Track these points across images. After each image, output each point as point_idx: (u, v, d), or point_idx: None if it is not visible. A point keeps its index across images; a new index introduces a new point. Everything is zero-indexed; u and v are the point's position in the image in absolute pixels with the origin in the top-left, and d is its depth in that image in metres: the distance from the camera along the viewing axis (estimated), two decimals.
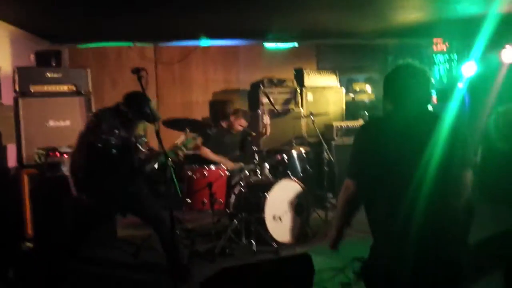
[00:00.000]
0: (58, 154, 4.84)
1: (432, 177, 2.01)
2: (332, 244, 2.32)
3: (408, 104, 2.15)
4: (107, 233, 4.81)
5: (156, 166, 4.06)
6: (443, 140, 2.05)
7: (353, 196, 2.18)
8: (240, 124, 5.63)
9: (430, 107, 2.42)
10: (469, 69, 6.52)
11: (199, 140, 5.12)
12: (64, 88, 5.25)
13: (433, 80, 2.20)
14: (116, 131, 3.63)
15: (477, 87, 6.47)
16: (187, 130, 4.85)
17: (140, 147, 3.87)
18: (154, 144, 3.95)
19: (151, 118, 3.72)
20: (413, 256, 2.01)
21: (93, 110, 5.40)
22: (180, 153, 3.90)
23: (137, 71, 3.30)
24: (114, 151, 3.61)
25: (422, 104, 2.18)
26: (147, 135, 4.57)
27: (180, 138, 4.50)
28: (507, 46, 6.02)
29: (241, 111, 5.80)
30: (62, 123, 5.19)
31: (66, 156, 4.74)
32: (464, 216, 2.22)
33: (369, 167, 2.12)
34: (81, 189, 3.69)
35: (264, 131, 5.78)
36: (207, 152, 5.45)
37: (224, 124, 5.74)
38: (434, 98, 6.34)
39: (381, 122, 2.26)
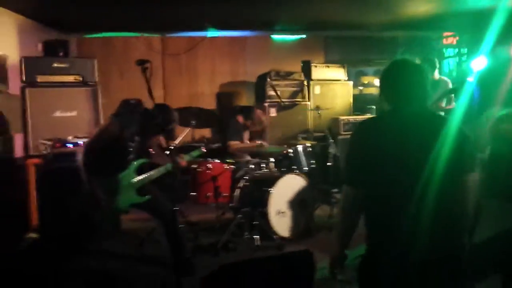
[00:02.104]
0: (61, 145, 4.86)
1: (439, 180, 1.97)
2: (333, 263, 2.21)
3: (407, 102, 2.09)
4: (111, 225, 4.83)
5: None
6: (450, 143, 2.00)
7: (353, 203, 2.09)
8: (260, 123, 5.73)
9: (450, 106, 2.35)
10: (479, 63, 6.42)
11: None
12: (71, 78, 5.28)
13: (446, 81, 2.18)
14: (137, 138, 3.67)
15: (487, 82, 6.37)
16: (193, 124, 4.89)
17: (152, 150, 3.91)
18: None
19: (170, 136, 3.87)
20: (416, 258, 2.00)
21: (100, 100, 5.41)
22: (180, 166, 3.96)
23: (141, 63, 3.30)
24: (131, 156, 3.66)
25: (422, 102, 2.11)
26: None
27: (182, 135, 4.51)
28: None
29: (252, 112, 5.71)
30: (69, 114, 5.22)
31: (72, 147, 4.77)
32: (470, 218, 2.20)
33: (370, 170, 2.05)
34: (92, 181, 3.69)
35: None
36: (235, 145, 5.45)
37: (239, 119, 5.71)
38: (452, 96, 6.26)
39: (379, 122, 2.20)
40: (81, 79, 5.30)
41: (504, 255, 3.00)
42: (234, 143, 5.45)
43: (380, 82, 2.21)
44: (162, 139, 4.28)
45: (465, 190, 2.10)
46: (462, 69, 7.02)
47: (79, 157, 3.69)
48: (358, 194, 2.08)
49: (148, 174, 3.82)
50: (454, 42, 7.20)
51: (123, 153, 3.66)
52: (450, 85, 6.06)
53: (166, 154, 4.00)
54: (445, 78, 6.10)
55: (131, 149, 3.66)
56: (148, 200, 3.80)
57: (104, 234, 4.58)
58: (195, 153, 4.25)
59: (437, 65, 5.96)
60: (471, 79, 6.60)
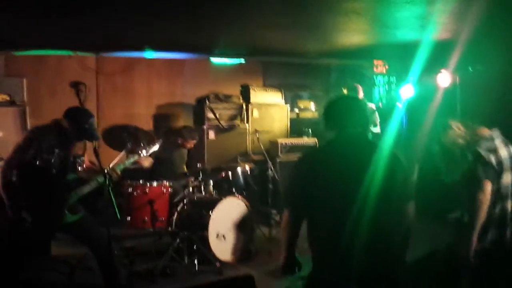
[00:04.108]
0: None
1: (373, 203, 2.08)
2: (284, 267, 2.31)
3: (348, 128, 2.23)
4: (41, 252, 4.53)
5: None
6: (382, 169, 2.13)
7: (293, 226, 2.25)
8: (193, 143, 5.65)
9: (374, 129, 2.50)
10: (407, 91, 6.81)
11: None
12: None
13: (370, 106, 2.40)
14: (56, 150, 3.44)
15: (415, 109, 6.76)
16: (128, 146, 4.71)
17: (78, 167, 3.69)
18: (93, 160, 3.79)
19: (92, 136, 3.55)
20: (355, 276, 2.05)
21: (28, 121, 5.15)
22: (115, 175, 3.72)
23: (75, 85, 3.15)
24: (54, 171, 3.43)
25: (361, 129, 2.26)
26: (86, 152, 4.33)
27: (118, 157, 4.37)
28: (443, 70, 6.33)
29: (188, 132, 5.73)
30: None
31: None
32: (402, 239, 2.30)
33: (309, 192, 2.17)
34: (16, 208, 3.41)
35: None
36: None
37: (178, 140, 5.62)
38: (377, 119, 6.57)
39: (319, 150, 2.42)
40: (8, 98, 5.03)
41: (432, 274, 3.15)
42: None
43: (324, 114, 2.35)
44: (89, 156, 3.99)
45: (405, 217, 2.23)
46: (392, 96, 7.39)
47: None
48: (296, 217, 2.24)
49: (79, 189, 3.60)
50: (384, 71, 7.58)
51: (43, 168, 3.40)
52: (374, 109, 6.43)
53: (96, 167, 3.83)
54: (369, 103, 6.50)
55: (52, 162, 3.41)
56: (79, 222, 3.59)
57: (33, 261, 4.29)
58: (128, 161, 4.00)
59: (360, 91, 6.29)
60: (400, 105, 6.98)
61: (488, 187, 2.80)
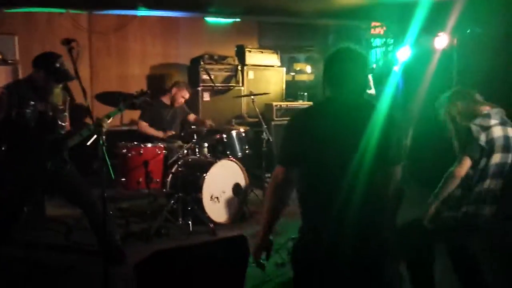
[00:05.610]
0: None
1: (368, 166, 2.04)
2: (255, 252, 2.22)
3: (346, 89, 2.14)
4: (35, 213, 4.58)
5: (88, 142, 3.83)
6: (378, 129, 2.07)
7: (283, 184, 2.14)
8: (183, 96, 5.62)
9: (369, 91, 2.46)
10: (404, 53, 6.72)
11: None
12: None
13: (371, 65, 2.23)
14: (32, 103, 3.40)
15: (411, 72, 6.70)
16: (121, 105, 4.63)
17: (61, 122, 3.63)
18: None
19: (66, 75, 3.43)
20: (346, 240, 2.06)
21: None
22: (104, 125, 3.50)
23: (67, 43, 3.08)
24: (32, 124, 3.39)
25: (360, 89, 2.19)
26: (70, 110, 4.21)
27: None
28: (440, 33, 6.24)
29: (183, 83, 5.74)
30: None
31: None
32: (392, 203, 2.32)
33: (304, 155, 2.10)
34: None
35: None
36: (144, 126, 5.37)
37: (165, 99, 5.63)
38: (371, 81, 6.51)
39: (317, 109, 2.28)
40: (0, 57, 4.95)
41: (406, 244, 3.18)
42: (144, 124, 5.43)
43: (324, 68, 2.21)
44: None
45: (392, 178, 2.19)
46: (389, 59, 7.31)
47: None
48: (288, 176, 2.13)
49: (65, 142, 3.59)
50: (382, 32, 7.47)
51: (19, 122, 3.38)
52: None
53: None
54: None
55: (28, 116, 3.38)
56: (65, 178, 3.61)
57: (28, 221, 4.33)
58: (113, 113, 3.78)
59: None
60: (396, 68, 6.92)
61: (467, 163, 2.78)
